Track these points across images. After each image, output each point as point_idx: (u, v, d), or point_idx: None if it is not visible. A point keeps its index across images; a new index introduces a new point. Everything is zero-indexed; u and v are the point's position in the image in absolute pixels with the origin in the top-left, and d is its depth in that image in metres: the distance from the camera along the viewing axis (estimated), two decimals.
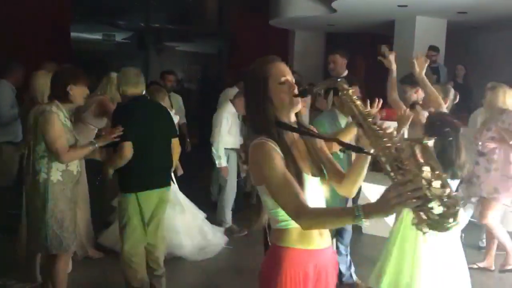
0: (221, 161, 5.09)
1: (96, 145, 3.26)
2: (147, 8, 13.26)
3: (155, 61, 14.36)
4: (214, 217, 5.20)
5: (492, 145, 4.25)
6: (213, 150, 5.10)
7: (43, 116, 3.10)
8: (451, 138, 2.79)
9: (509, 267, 4.37)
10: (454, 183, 2.87)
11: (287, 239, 1.77)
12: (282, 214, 1.73)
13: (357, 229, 5.17)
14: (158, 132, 3.45)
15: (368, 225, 5.26)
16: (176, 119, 4.62)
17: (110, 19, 13.46)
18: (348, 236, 3.76)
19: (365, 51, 11.47)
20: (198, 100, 13.23)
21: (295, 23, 9.67)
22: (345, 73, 4.81)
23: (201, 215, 4.77)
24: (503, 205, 4.38)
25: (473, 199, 4.46)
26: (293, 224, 1.71)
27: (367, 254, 4.55)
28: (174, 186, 4.58)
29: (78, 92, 3.20)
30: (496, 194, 4.22)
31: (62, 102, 3.18)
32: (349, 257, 3.90)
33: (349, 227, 3.71)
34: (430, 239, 2.79)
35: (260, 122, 1.80)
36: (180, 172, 4.86)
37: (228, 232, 5.13)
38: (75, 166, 3.27)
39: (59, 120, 3.11)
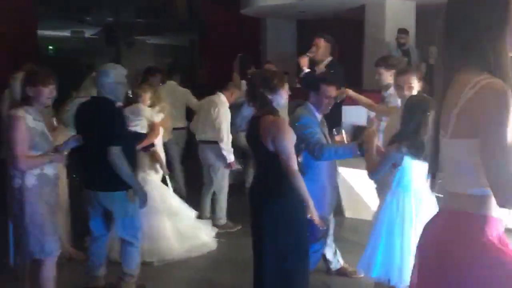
0: (231, 156, 5.11)
1: (52, 161, 3.20)
2: (115, 2, 13.04)
3: (126, 56, 14.17)
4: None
5: None
6: (223, 147, 5.04)
7: (8, 120, 3.06)
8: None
9: None
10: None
11: (487, 206, 1.48)
12: (483, 176, 1.43)
13: (339, 213, 5.24)
14: (89, 136, 3.34)
15: (350, 209, 5.36)
16: (158, 117, 4.53)
17: (78, 15, 13.21)
18: (332, 227, 3.81)
19: (337, 37, 11.54)
20: None
21: (266, 11, 9.65)
22: (329, 59, 4.75)
23: (192, 214, 4.76)
24: None
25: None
26: None
27: (351, 238, 4.62)
28: (161, 191, 4.55)
29: (38, 93, 3.09)
30: None
31: (28, 105, 3.09)
32: (333, 244, 3.95)
33: (331, 218, 3.75)
34: (415, 221, 2.84)
35: (495, 55, 1.38)
36: (166, 171, 4.73)
37: (223, 229, 5.13)
38: (51, 169, 3.20)
39: (25, 124, 3.02)
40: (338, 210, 5.22)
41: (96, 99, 3.45)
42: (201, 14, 12.61)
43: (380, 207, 3.02)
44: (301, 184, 2.72)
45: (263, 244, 2.80)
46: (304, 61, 4.74)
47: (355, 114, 5.92)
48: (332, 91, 3.35)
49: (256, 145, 2.78)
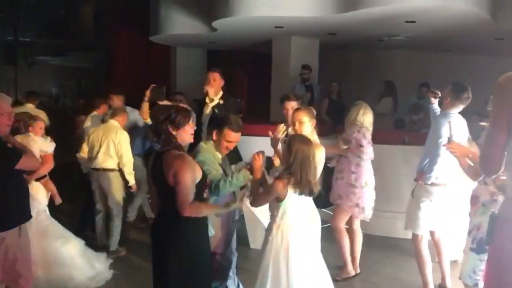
0: (133, 179, 5.29)
1: None
2: (15, 20, 12.34)
3: (26, 77, 13.37)
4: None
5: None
6: (128, 171, 5.21)
7: None
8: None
9: (347, 276, 4.68)
10: (310, 199, 3.18)
11: None
12: None
13: (244, 245, 5.28)
14: None
15: (255, 240, 5.41)
16: (51, 147, 4.32)
17: None
18: (235, 259, 3.82)
19: (246, 67, 11.85)
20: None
21: (176, 40, 9.66)
22: (220, 93, 4.94)
23: (80, 243, 4.58)
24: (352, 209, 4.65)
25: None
26: None
27: (256, 270, 4.65)
28: (51, 220, 4.45)
29: None
30: (339, 201, 4.60)
31: None
32: (236, 277, 3.96)
33: (234, 251, 3.77)
34: (298, 252, 3.02)
35: None
36: (58, 201, 4.62)
37: (112, 254, 5.16)
38: None
39: None
40: (243, 241, 5.28)
41: None
42: (108, 36, 12.30)
43: (266, 239, 3.14)
44: (203, 210, 2.71)
45: (165, 280, 2.74)
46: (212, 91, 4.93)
47: (263, 145, 6.08)
48: (235, 137, 3.38)
49: (159, 181, 2.74)
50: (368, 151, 4.50)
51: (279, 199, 3.03)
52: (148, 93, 5.53)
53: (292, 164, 3.00)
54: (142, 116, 5.62)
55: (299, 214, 3.10)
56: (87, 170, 5.44)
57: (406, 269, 4.87)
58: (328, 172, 4.65)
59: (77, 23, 13.74)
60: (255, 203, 3.17)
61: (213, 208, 2.92)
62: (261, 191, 3.13)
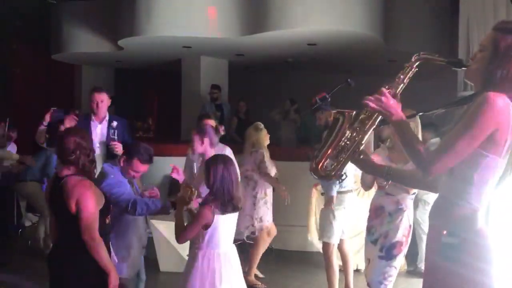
0: None
1: None
2: None
3: None
4: None
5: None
6: None
7: None
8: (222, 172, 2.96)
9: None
10: (235, 215, 3.07)
11: None
12: None
13: (154, 267, 5.17)
14: None
15: (165, 263, 5.32)
16: None
17: None
18: (143, 285, 3.72)
19: (156, 86, 11.70)
20: None
21: (81, 58, 9.34)
22: (107, 116, 4.52)
23: None
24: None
25: None
26: None
27: None
28: None
29: None
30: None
31: None
32: None
33: (142, 272, 3.67)
34: (225, 278, 2.96)
35: None
36: None
37: None
38: None
39: None
40: (153, 265, 5.16)
41: None
42: (4, 53, 11.54)
43: (191, 265, 3.03)
44: (101, 252, 2.59)
45: None
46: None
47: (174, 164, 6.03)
48: (143, 168, 3.31)
49: (58, 207, 2.62)
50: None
51: (206, 226, 2.90)
52: (47, 117, 5.15)
53: (213, 185, 2.91)
54: (39, 141, 5.24)
55: (224, 236, 2.97)
56: None
57: (313, 282, 5.02)
58: None
59: None
60: (182, 239, 2.94)
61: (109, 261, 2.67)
62: (187, 224, 2.96)
